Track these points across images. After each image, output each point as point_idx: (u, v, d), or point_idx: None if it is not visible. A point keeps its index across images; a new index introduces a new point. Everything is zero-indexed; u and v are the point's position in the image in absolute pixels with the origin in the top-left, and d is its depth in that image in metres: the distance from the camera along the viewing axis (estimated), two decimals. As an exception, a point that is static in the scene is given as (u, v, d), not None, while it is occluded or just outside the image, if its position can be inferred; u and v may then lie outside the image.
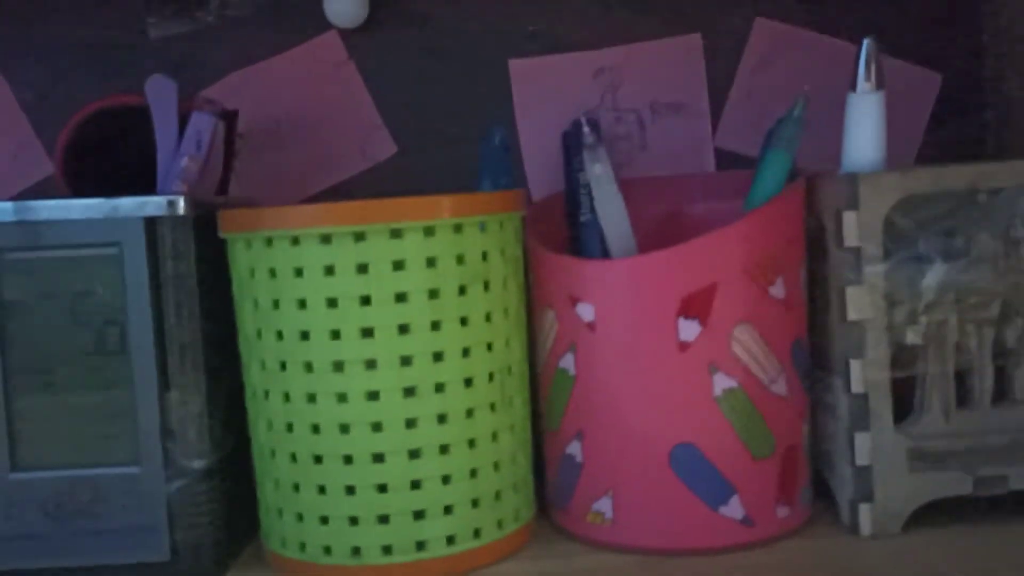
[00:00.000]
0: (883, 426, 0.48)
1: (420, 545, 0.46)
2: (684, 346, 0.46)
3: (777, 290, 0.48)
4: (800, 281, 0.50)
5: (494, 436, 0.48)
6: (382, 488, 0.46)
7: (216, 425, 0.49)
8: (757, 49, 0.60)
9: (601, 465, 0.48)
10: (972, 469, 0.48)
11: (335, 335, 0.45)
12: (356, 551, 0.46)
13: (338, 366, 0.45)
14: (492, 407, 0.48)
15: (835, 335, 0.49)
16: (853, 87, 0.48)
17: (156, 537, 0.47)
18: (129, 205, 0.47)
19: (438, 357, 0.46)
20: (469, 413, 0.47)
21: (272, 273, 0.46)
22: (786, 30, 0.60)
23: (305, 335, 0.45)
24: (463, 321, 0.46)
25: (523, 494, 0.50)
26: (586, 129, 0.48)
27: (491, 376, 0.47)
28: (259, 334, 0.47)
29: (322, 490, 0.46)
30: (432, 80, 0.60)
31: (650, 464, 0.47)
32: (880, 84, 0.48)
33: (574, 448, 0.50)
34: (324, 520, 0.46)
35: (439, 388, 0.46)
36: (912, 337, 0.48)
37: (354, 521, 0.46)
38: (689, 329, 0.46)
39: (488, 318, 0.47)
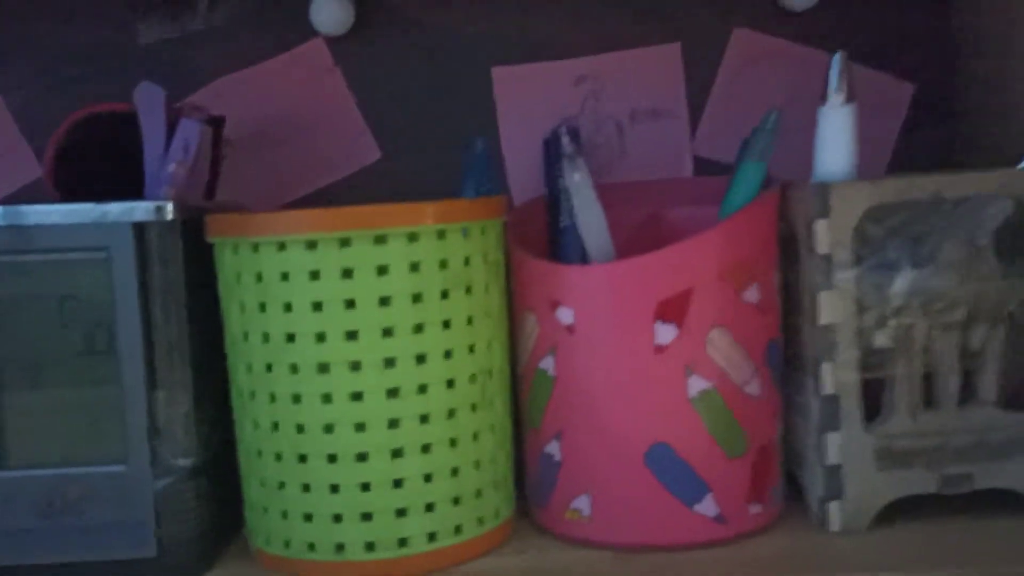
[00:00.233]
0: (852, 426, 0.49)
1: (402, 542, 0.47)
2: (660, 349, 0.48)
3: (751, 294, 0.49)
4: (773, 286, 0.51)
5: (475, 436, 0.49)
6: (365, 486, 0.47)
7: (203, 424, 0.50)
8: (735, 58, 0.61)
9: (579, 464, 0.50)
10: (938, 468, 0.50)
11: (320, 338, 0.46)
12: (340, 548, 0.47)
13: (323, 368, 0.46)
14: (473, 408, 0.49)
15: (807, 338, 0.51)
16: (824, 100, 0.50)
17: (143, 533, 0.48)
18: (118, 210, 0.47)
19: (421, 359, 0.47)
20: (451, 413, 0.48)
21: (258, 277, 0.47)
22: (763, 40, 0.61)
23: (291, 337, 0.46)
24: (446, 324, 0.47)
25: (503, 492, 0.51)
26: (565, 139, 0.49)
27: (473, 377, 0.49)
28: (245, 336, 0.48)
29: (306, 488, 0.47)
30: (416, 86, 0.61)
31: (627, 463, 0.48)
32: (850, 97, 0.50)
33: (553, 448, 0.51)
34: (308, 517, 0.47)
35: (422, 389, 0.47)
36: (881, 340, 0.49)
37: (338, 519, 0.47)
38: (665, 333, 0.48)
39: (470, 321, 0.48)
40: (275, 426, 0.47)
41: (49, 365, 0.48)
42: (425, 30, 0.61)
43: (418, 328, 0.47)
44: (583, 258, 0.54)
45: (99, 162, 0.53)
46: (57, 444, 0.48)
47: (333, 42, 0.61)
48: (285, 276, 0.46)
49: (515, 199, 0.62)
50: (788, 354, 0.53)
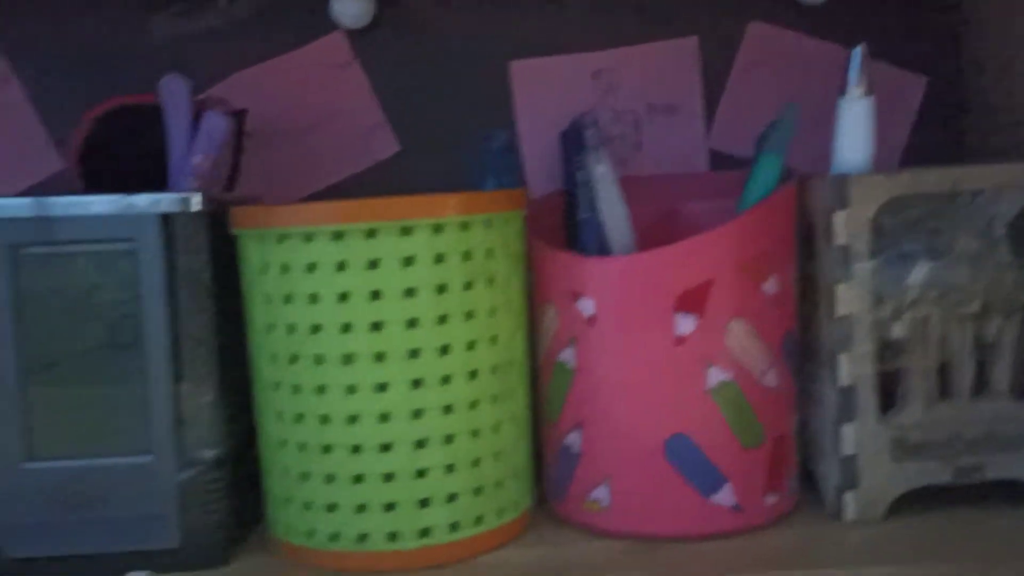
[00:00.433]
0: (868, 417, 0.50)
1: (425, 532, 0.48)
2: (680, 340, 0.48)
3: (769, 286, 0.50)
4: (791, 278, 0.52)
5: (496, 427, 0.49)
6: (389, 477, 0.47)
7: (226, 416, 0.50)
8: (750, 52, 0.62)
9: (598, 455, 0.50)
10: (952, 459, 0.50)
11: (345, 328, 0.46)
12: (362, 538, 0.47)
13: (348, 359, 0.47)
14: (495, 399, 0.49)
15: (823, 330, 0.51)
16: (843, 92, 0.50)
17: (166, 524, 0.49)
18: (145, 201, 0.48)
19: (444, 350, 0.47)
20: (473, 405, 0.48)
21: (284, 268, 0.47)
22: (779, 34, 0.62)
23: (316, 328, 0.47)
24: (469, 316, 0.48)
25: (522, 483, 0.52)
26: (590, 130, 0.50)
27: (495, 369, 0.49)
28: (269, 328, 0.48)
29: (330, 479, 0.48)
30: (434, 80, 0.61)
31: (646, 454, 0.49)
32: (869, 90, 0.50)
33: (572, 439, 0.51)
34: (331, 508, 0.48)
35: (445, 380, 0.47)
36: (897, 332, 0.50)
37: (361, 509, 0.47)
38: (685, 324, 0.48)
39: (493, 313, 0.49)
40: (299, 417, 0.48)
41: (75, 357, 0.48)
42: (443, 24, 0.62)
43: (442, 319, 0.47)
44: (601, 250, 0.55)
45: (124, 154, 0.53)
46: (82, 435, 0.49)
47: (352, 36, 0.61)
48: (311, 267, 0.46)
49: (532, 192, 0.62)
50: (804, 346, 0.54)
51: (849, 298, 0.49)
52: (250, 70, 0.60)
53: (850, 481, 0.50)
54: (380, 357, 0.46)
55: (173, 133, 0.50)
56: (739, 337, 0.49)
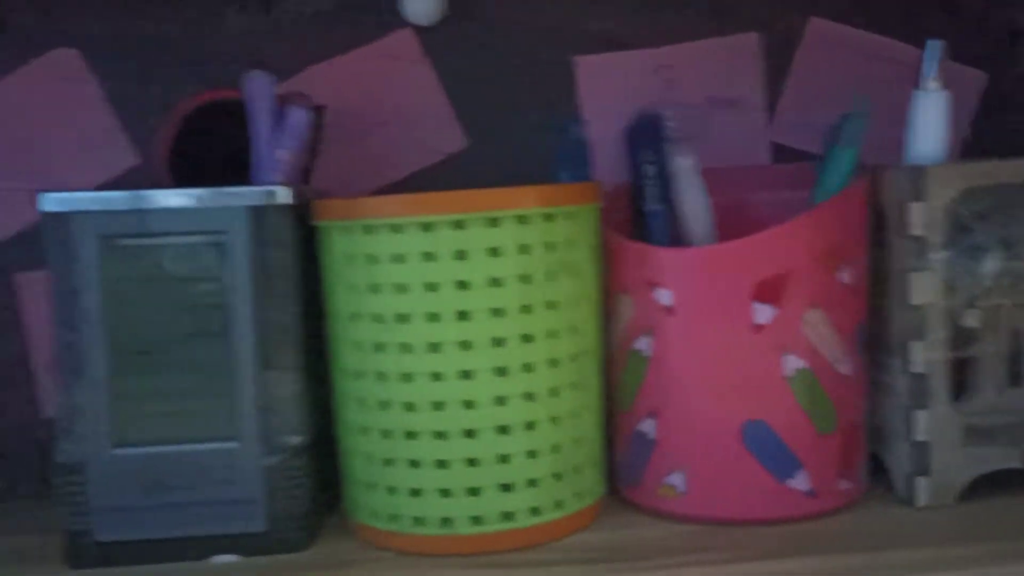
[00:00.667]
0: (940, 404, 0.51)
1: (507, 516, 0.49)
2: (758, 329, 0.49)
3: (844, 276, 0.51)
4: (864, 268, 0.52)
5: (576, 414, 0.50)
6: (473, 462, 0.48)
7: (309, 403, 0.52)
8: (811, 47, 0.62)
9: (674, 441, 0.51)
10: (1022, 443, 0.51)
11: (433, 318, 0.47)
12: (447, 522, 0.49)
13: (434, 347, 0.48)
14: (575, 387, 0.50)
15: (894, 319, 0.52)
16: (918, 85, 0.51)
17: (253, 509, 0.50)
18: (235, 195, 0.49)
19: (528, 339, 0.48)
20: (554, 392, 0.49)
21: (371, 259, 0.48)
22: (839, 29, 0.62)
23: (403, 318, 0.48)
24: (551, 305, 0.49)
25: (598, 469, 0.53)
26: (671, 123, 0.51)
27: (574, 357, 0.50)
28: (354, 317, 0.49)
29: (415, 464, 0.49)
30: (501, 76, 0.62)
31: (722, 440, 0.50)
32: (945, 83, 0.51)
33: (647, 426, 0.52)
34: (415, 493, 0.49)
35: (528, 368, 0.48)
36: (969, 320, 0.51)
37: (445, 493, 0.48)
38: (763, 313, 0.49)
39: (572, 303, 0.50)
40: (383, 404, 0.49)
41: (165, 345, 0.50)
42: (510, 21, 0.62)
43: (526, 309, 0.48)
44: (670, 241, 0.56)
45: (210, 149, 0.54)
46: (171, 422, 0.50)
47: (421, 32, 0.62)
48: (399, 258, 0.47)
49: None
50: (872, 335, 0.54)
51: (923, 287, 0.50)
52: (320, 66, 0.61)
53: (922, 467, 0.51)
54: (466, 345, 0.47)
55: (257, 128, 0.51)
56: (815, 326, 0.50)
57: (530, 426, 0.49)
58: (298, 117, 0.52)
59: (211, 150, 0.55)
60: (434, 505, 0.48)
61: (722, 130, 0.62)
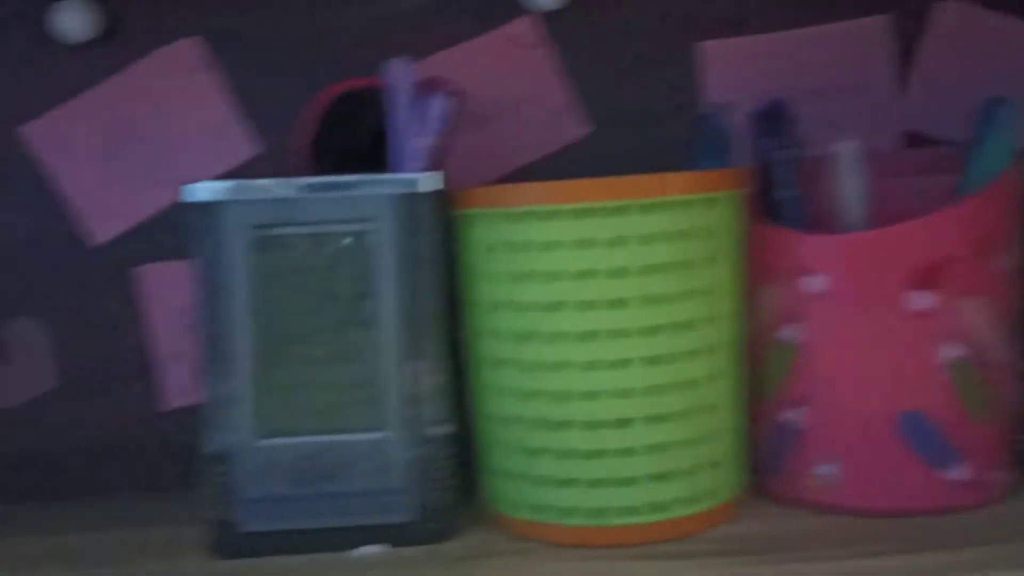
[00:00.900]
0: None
1: (661, 507, 0.48)
2: (914, 316, 0.48)
3: (1001, 264, 0.49)
4: (1019, 256, 0.51)
5: (726, 402, 0.50)
6: (626, 452, 0.47)
7: (453, 393, 0.52)
8: (942, 30, 0.61)
9: (824, 431, 0.50)
10: None
11: (586, 306, 0.47)
12: (598, 513, 0.48)
13: (587, 336, 0.47)
14: (726, 375, 0.49)
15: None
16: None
17: (400, 499, 0.49)
18: (382, 182, 0.49)
19: (683, 327, 0.47)
20: (708, 380, 0.49)
21: (521, 247, 0.47)
22: (971, 11, 0.61)
23: (555, 306, 0.47)
24: (705, 292, 0.48)
25: (743, 459, 0.52)
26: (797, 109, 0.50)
27: (727, 345, 0.49)
28: (501, 306, 0.49)
29: (564, 455, 0.48)
30: (623, 61, 0.61)
31: (876, 429, 0.49)
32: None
33: (793, 416, 0.51)
34: (565, 483, 0.48)
35: (683, 357, 0.48)
36: None
37: (596, 484, 0.48)
38: (920, 300, 0.48)
39: (724, 290, 0.49)
40: (531, 394, 0.48)
41: (311, 335, 0.49)
42: (633, 5, 0.61)
43: (681, 296, 0.47)
44: (804, 227, 0.55)
45: (344, 138, 0.54)
46: (317, 413, 0.49)
47: (541, 18, 0.61)
48: (551, 245, 0.47)
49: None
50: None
51: (1084, 273, 0.49)
52: (442, 53, 0.61)
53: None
54: (620, 334, 0.47)
55: (397, 115, 0.51)
56: (972, 314, 0.48)
57: (684, 415, 0.48)
58: (439, 104, 0.51)
59: (345, 139, 0.55)
60: (585, 496, 0.48)
61: (850, 115, 0.62)
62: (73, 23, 0.59)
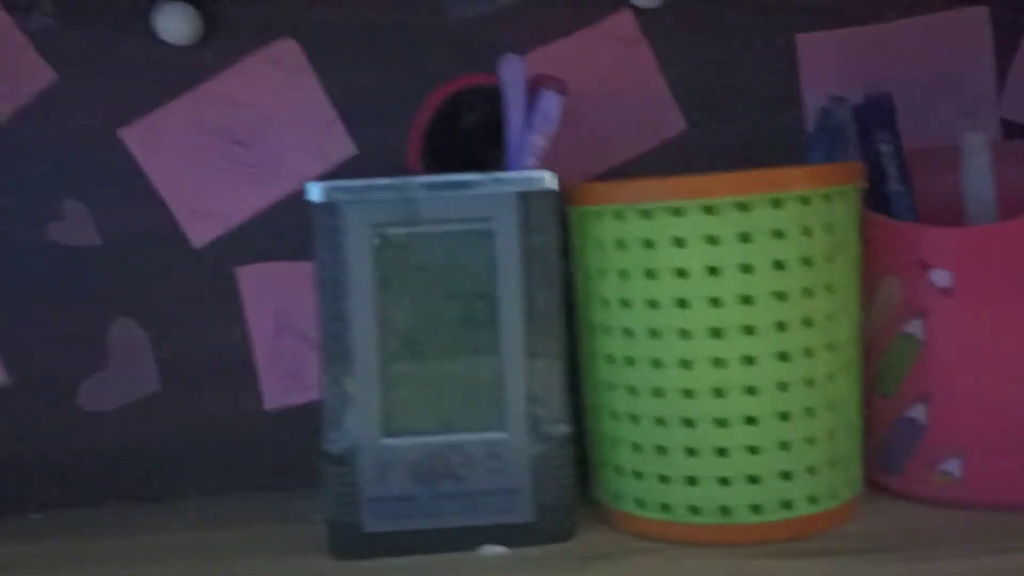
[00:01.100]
0: None
1: (787, 504, 0.48)
2: (1045, 309, 0.48)
3: None
4: None
5: (848, 400, 0.49)
6: (753, 450, 0.47)
7: (570, 392, 0.51)
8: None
9: (950, 426, 0.50)
10: None
11: (715, 303, 0.46)
12: (725, 511, 0.48)
13: (716, 332, 0.46)
14: (847, 372, 0.49)
15: None
16: None
17: (521, 499, 0.49)
18: (504, 180, 0.48)
19: (808, 323, 0.47)
20: (831, 377, 0.48)
21: (648, 243, 0.47)
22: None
23: (683, 303, 0.47)
24: (829, 288, 0.47)
25: (861, 456, 0.51)
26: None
27: (848, 342, 0.49)
28: (626, 303, 0.48)
29: (692, 452, 0.48)
30: (721, 56, 0.61)
31: (1004, 423, 0.49)
32: None
33: (916, 412, 0.51)
34: (692, 481, 0.48)
35: (808, 353, 0.47)
36: None
37: (724, 482, 0.47)
38: (1051, 293, 0.48)
39: (846, 285, 0.49)
40: (658, 391, 0.48)
41: (431, 335, 0.49)
42: (730, 1, 0.61)
43: (807, 292, 0.47)
44: (914, 220, 0.54)
45: (453, 136, 0.54)
46: (439, 412, 0.49)
47: (639, 13, 0.61)
48: (679, 242, 0.46)
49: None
50: None
51: None
52: (539, 50, 0.60)
53: None
54: (749, 330, 0.46)
55: (511, 112, 0.51)
56: (1103, 305, 0.48)
57: (809, 412, 0.48)
58: (549, 100, 0.51)
59: (451, 138, 0.54)
60: (712, 494, 0.47)
61: (949, 106, 0.61)
62: (172, 26, 0.59)
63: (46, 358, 0.60)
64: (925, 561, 0.45)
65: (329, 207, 0.48)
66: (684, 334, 0.47)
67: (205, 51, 0.59)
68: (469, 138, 0.53)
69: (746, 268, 0.46)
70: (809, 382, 0.47)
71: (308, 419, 0.61)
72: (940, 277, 0.49)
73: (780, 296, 0.47)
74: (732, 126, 0.61)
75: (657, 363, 0.48)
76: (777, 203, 0.46)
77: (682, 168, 0.61)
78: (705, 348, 0.47)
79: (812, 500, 0.48)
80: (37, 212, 0.59)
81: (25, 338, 0.59)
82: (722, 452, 0.47)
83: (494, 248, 0.48)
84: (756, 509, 0.47)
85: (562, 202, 0.51)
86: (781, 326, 0.47)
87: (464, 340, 0.49)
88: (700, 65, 0.61)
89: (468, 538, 0.49)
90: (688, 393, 0.47)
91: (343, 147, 0.61)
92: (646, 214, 0.47)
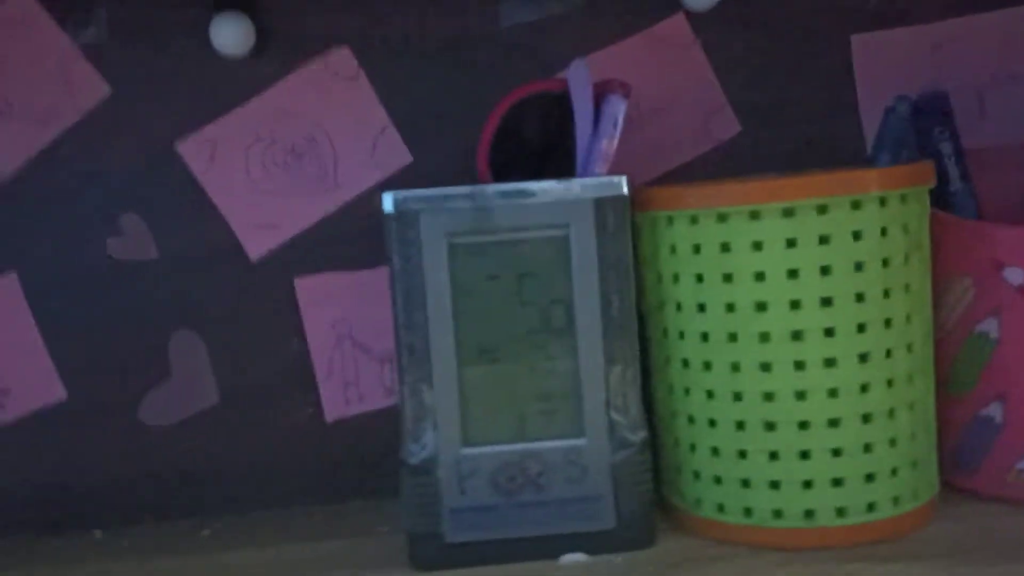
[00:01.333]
0: None
1: (871, 507, 0.47)
2: (1123, 306, 0.48)
3: None
4: None
5: (925, 400, 0.49)
6: (836, 452, 0.46)
7: (646, 398, 0.51)
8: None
9: (1026, 425, 0.50)
10: None
11: (795, 305, 0.46)
12: (809, 514, 0.47)
13: (797, 335, 0.46)
14: (924, 372, 0.49)
15: None
16: None
17: (601, 506, 0.49)
18: (579, 187, 0.48)
19: (888, 324, 0.47)
20: (909, 378, 0.48)
21: (729, 247, 0.47)
22: None
23: (762, 306, 0.47)
24: (906, 289, 0.47)
25: (937, 457, 0.51)
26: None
27: (923, 342, 0.49)
28: (707, 307, 0.48)
29: (774, 456, 0.47)
30: (774, 58, 0.60)
31: (1082, 422, 0.49)
32: None
33: (993, 410, 0.51)
34: (775, 485, 0.47)
35: (887, 354, 0.47)
36: None
37: (808, 485, 0.47)
38: None
39: (921, 286, 0.49)
40: (739, 395, 0.48)
41: (507, 343, 0.49)
42: (784, 2, 0.61)
43: (886, 293, 0.47)
44: (977, 219, 0.54)
45: (523, 142, 0.54)
46: (516, 420, 0.49)
47: (693, 17, 0.61)
48: (758, 245, 0.46)
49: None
50: None
51: None
52: (594, 55, 0.60)
53: None
54: (829, 332, 0.46)
55: (580, 118, 0.51)
56: None
57: (890, 413, 0.48)
58: (616, 105, 0.51)
59: (516, 144, 0.54)
60: (795, 497, 0.47)
61: (1005, 106, 0.61)
62: (227, 38, 0.58)
63: (106, 374, 0.59)
64: (1012, 563, 0.45)
65: (403, 216, 0.48)
66: (763, 337, 0.47)
67: (259, 62, 0.59)
68: (534, 145, 0.54)
69: (825, 270, 0.46)
70: (889, 383, 0.47)
71: (368, 430, 0.61)
72: (1014, 275, 0.49)
73: (860, 297, 0.47)
74: (787, 129, 0.61)
75: (736, 367, 0.48)
76: (856, 205, 0.46)
77: (736, 172, 0.61)
78: (785, 351, 0.47)
79: (895, 502, 0.48)
80: (94, 227, 0.59)
81: (85, 354, 0.59)
82: (805, 455, 0.47)
83: (569, 254, 0.48)
84: (840, 512, 0.47)
85: (631, 207, 0.51)
86: (861, 328, 0.47)
87: (540, 347, 0.49)
88: (754, 67, 0.61)
89: (549, 547, 0.49)
90: (768, 396, 0.47)
91: (399, 155, 0.60)
92: (722, 218, 0.47)
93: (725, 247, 0.47)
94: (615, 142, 0.51)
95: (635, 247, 0.52)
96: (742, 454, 0.48)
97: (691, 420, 0.50)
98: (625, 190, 0.48)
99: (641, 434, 0.49)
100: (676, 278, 0.49)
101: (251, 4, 0.59)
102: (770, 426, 0.47)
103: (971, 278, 0.51)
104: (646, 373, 0.52)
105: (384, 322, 0.61)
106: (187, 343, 0.61)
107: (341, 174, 0.60)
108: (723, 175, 0.62)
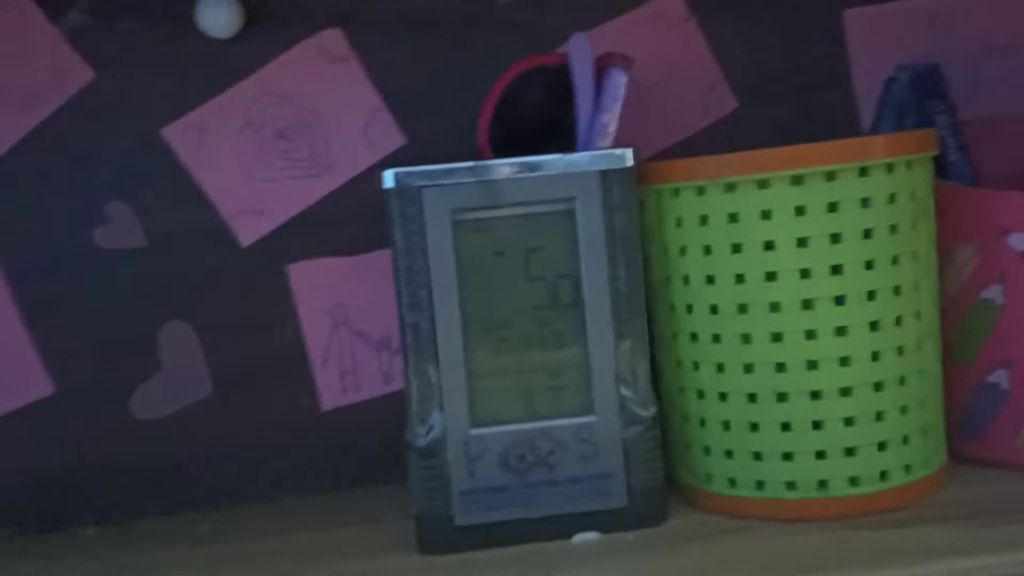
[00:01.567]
0: None
1: (883, 475, 0.47)
2: None
3: None
4: None
5: (933, 367, 0.49)
6: (849, 421, 0.46)
7: (654, 372, 0.51)
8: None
9: (1032, 390, 0.50)
10: None
11: (805, 274, 0.46)
12: (822, 484, 0.47)
13: (807, 304, 0.46)
14: (932, 338, 0.49)
15: None
16: None
17: (613, 484, 0.48)
18: (585, 160, 0.47)
19: (897, 291, 0.47)
20: (918, 345, 0.48)
21: (737, 217, 0.46)
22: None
23: (772, 276, 0.46)
24: (914, 256, 0.47)
25: (944, 425, 0.51)
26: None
27: (931, 308, 0.49)
28: (711, 279, 0.48)
29: (786, 427, 0.47)
30: (770, 33, 0.60)
31: (1088, 385, 0.49)
32: None
33: (998, 377, 0.51)
34: (787, 456, 0.47)
35: (897, 321, 0.47)
36: None
37: (820, 455, 0.47)
38: None
39: (927, 253, 0.49)
40: (750, 366, 0.47)
41: (515, 320, 0.48)
42: (777, -24, 0.62)
43: (895, 260, 0.46)
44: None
45: (523, 116, 0.53)
46: (525, 398, 0.48)
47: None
48: (766, 214, 0.46)
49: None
50: None
51: None
52: (588, 32, 0.59)
53: None
54: (840, 300, 0.46)
55: (581, 91, 0.50)
56: None
57: (901, 381, 0.47)
58: (618, 78, 0.50)
59: (519, 119, 0.53)
60: (809, 468, 0.47)
61: (999, 77, 0.61)
62: (213, 18, 0.56)
63: (95, 366, 0.58)
64: (1018, 525, 0.45)
65: (404, 192, 0.47)
66: (774, 307, 0.47)
67: (248, 44, 0.58)
68: (535, 120, 0.53)
69: (835, 238, 0.46)
70: (899, 350, 0.47)
71: (367, 418, 0.60)
72: (1019, 241, 0.49)
73: (869, 265, 0.46)
74: (783, 103, 0.61)
75: (746, 338, 0.47)
76: (863, 171, 0.46)
77: (734, 147, 0.61)
78: (796, 320, 0.46)
79: (907, 470, 0.48)
80: (80, 215, 0.57)
81: (73, 346, 0.57)
82: (817, 425, 0.47)
83: (576, 228, 0.47)
84: (853, 481, 0.47)
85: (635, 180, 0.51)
86: (871, 295, 0.47)
87: (548, 323, 0.48)
88: (749, 42, 0.60)
89: (561, 526, 0.48)
90: (780, 367, 0.47)
91: (392, 137, 0.59)
92: (730, 188, 0.47)
93: (733, 217, 0.47)
94: (617, 116, 0.51)
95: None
96: (754, 426, 0.48)
97: (700, 394, 0.49)
98: (631, 162, 0.48)
99: (651, 409, 0.49)
100: (683, 251, 0.49)
101: (239, -17, 0.58)
102: (782, 397, 0.47)
103: (974, 245, 0.51)
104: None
105: (381, 308, 0.59)
106: (178, 333, 0.59)
107: (333, 157, 0.59)
108: (720, 150, 0.61)
